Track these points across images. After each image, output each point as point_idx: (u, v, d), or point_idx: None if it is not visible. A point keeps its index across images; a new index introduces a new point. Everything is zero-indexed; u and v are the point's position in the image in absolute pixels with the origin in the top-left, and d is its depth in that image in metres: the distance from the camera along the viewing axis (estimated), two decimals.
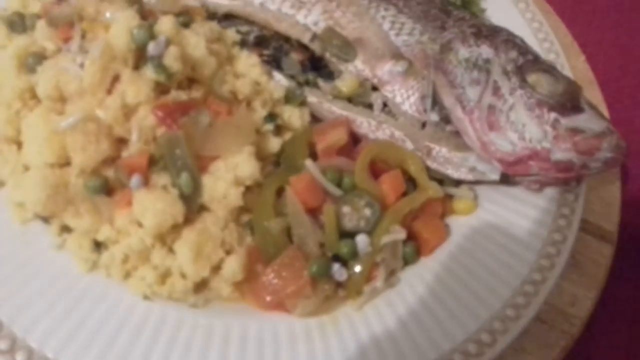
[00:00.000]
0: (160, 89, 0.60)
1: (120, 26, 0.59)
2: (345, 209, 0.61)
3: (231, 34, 0.69)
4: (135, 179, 0.57)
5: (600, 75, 0.91)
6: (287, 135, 0.67)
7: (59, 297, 0.57)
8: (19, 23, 0.67)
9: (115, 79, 0.59)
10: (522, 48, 0.68)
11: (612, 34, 0.98)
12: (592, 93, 0.86)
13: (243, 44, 0.70)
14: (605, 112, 0.85)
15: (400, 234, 0.61)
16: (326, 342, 0.58)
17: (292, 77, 0.69)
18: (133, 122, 0.58)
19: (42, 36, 0.62)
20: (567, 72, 0.78)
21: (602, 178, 0.75)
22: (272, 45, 0.70)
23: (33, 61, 0.61)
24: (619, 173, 0.79)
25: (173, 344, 0.56)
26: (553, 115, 0.63)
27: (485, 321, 0.61)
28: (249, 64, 0.67)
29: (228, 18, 0.72)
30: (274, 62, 0.70)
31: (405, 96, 0.66)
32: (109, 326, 0.56)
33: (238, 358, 0.56)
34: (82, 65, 0.59)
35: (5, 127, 0.60)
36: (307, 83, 0.69)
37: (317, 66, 0.70)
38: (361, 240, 0.60)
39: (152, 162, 0.58)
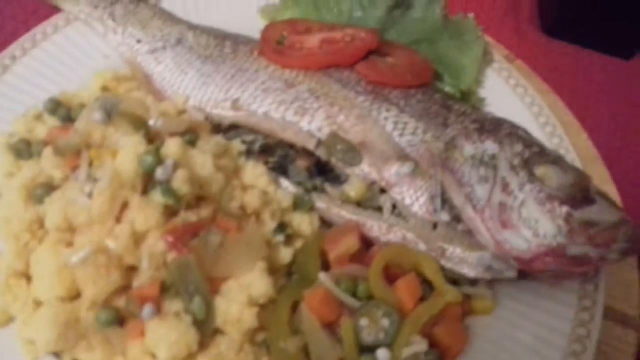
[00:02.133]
0: (169, 211, 0.59)
1: (128, 153, 0.59)
2: (363, 322, 0.59)
3: (237, 145, 0.69)
4: (147, 309, 0.56)
5: (603, 150, 0.91)
6: (298, 243, 0.66)
7: None
8: (25, 150, 0.68)
9: (124, 206, 0.58)
10: (527, 140, 0.68)
11: (610, 108, 0.98)
12: (598, 170, 0.86)
13: (249, 153, 0.70)
14: (614, 189, 0.85)
15: (422, 344, 0.59)
16: None
17: (299, 183, 0.69)
18: (143, 249, 0.57)
19: (49, 165, 0.62)
20: (571, 154, 0.78)
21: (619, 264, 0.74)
22: (277, 153, 0.70)
23: (41, 192, 0.60)
24: (636, 258, 0.79)
25: None
26: (565, 209, 0.62)
27: None
28: (256, 174, 0.67)
29: (233, 128, 0.72)
30: (280, 170, 0.69)
31: (415, 197, 0.66)
32: None
33: None
34: (90, 195, 0.58)
35: (15, 261, 0.59)
36: (315, 189, 0.68)
37: (323, 171, 0.69)
38: (382, 355, 0.58)
39: (164, 289, 0.56)
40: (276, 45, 0.77)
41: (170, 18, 0.83)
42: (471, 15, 0.86)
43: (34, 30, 0.82)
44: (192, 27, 0.82)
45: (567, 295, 0.66)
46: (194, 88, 0.75)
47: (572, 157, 0.77)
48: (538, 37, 1.06)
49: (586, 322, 0.64)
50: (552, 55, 1.04)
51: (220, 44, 0.79)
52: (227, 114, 0.72)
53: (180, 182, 0.59)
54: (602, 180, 0.84)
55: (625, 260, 0.74)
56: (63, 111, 0.71)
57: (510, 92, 0.82)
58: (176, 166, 0.59)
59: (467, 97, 0.80)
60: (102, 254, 0.56)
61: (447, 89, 0.80)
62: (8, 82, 0.77)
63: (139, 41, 0.80)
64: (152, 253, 0.57)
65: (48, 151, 0.64)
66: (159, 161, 0.59)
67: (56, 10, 0.87)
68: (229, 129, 0.73)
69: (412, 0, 0.85)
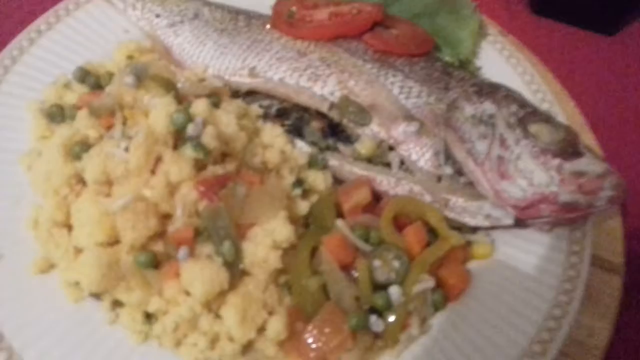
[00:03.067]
0: (199, 165, 0.65)
1: (160, 111, 0.65)
2: (376, 263, 0.66)
3: (255, 109, 0.75)
4: (182, 251, 0.61)
5: (589, 117, 0.98)
6: (313, 198, 0.72)
7: None
8: (58, 114, 0.73)
9: (158, 159, 0.64)
10: (521, 101, 0.75)
11: (596, 77, 1.04)
12: (585, 135, 0.92)
13: (266, 116, 0.76)
14: (599, 152, 0.92)
15: (430, 282, 0.65)
16: None
17: (313, 143, 0.75)
18: (177, 198, 0.62)
19: (84, 125, 0.67)
20: (561, 118, 0.85)
21: (603, 214, 0.81)
22: (293, 116, 0.76)
23: (79, 149, 0.65)
24: (619, 208, 0.86)
25: None
26: (557, 161, 0.69)
27: (515, 359, 0.65)
28: (273, 135, 0.73)
29: (250, 94, 0.78)
30: (295, 131, 0.75)
31: (420, 153, 0.72)
32: None
33: None
34: (126, 149, 0.64)
35: (55, 213, 0.64)
36: (328, 148, 0.75)
37: (336, 132, 0.75)
38: (394, 291, 0.65)
39: (197, 234, 0.62)
40: (287, 19, 0.83)
41: None
42: None
43: (57, 6, 0.87)
44: (207, 3, 0.87)
45: (558, 241, 0.72)
46: (212, 58, 0.81)
47: (561, 119, 0.84)
48: (527, 16, 1.12)
49: (575, 264, 0.71)
50: (541, 32, 1.10)
51: (234, 18, 0.85)
52: (244, 81, 0.78)
53: (208, 138, 0.64)
54: (589, 144, 0.91)
55: (610, 213, 0.82)
56: (91, 79, 0.76)
57: (504, 62, 0.89)
58: (205, 123, 0.65)
59: (465, 66, 0.86)
60: (140, 202, 0.61)
61: (447, 58, 0.86)
62: (35, 54, 0.81)
63: (157, 15, 0.85)
64: (186, 201, 0.63)
65: (83, 113, 0.69)
66: (189, 119, 0.65)
67: None
68: (246, 95, 0.78)
69: None
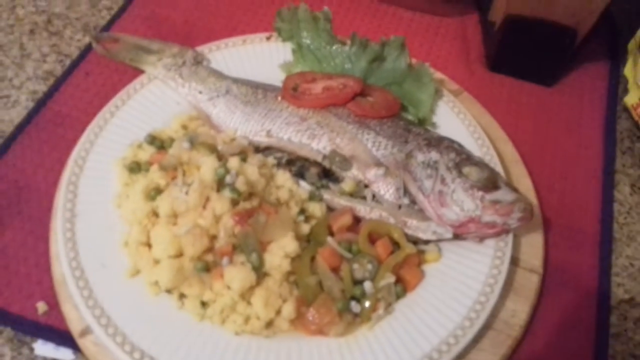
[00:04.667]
0: (234, 202, 0.96)
1: (207, 167, 0.96)
2: (355, 266, 0.95)
3: (271, 160, 1.05)
4: (225, 260, 0.91)
5: (525, 156, 1.21)
6: (313, 222, 1.01)
7: (184, 336, 0.91)
8: (136, 168, 1.04)
9: (207, 199, 0.95)
10: (459, 150, 1.04)
11: (533, 124, 1.29)
12: (519, 168, 1.18)
13: (278, 165, 1.06)
14: (529, 182, 1.16)
15: (391, 278, 0.94)
16: (350, 350, 0.90)
17: (312, 183, 1.04)
18: (220, 225, 0.93)
19: (156, 176, 0.98)
20: (494, 158, 1.11)
21: (529, 228, 1.07)
22: (297, 164, 1.06)
23: (154, 193, 0.97)
24: (541, 224, 1.11)
25: (257, 358, 0.89)
26: (480, 193, 0.97)
27: (450, 331, 0.92)
28: (284, 178, 1.03)
29: (267, 149, 1.08)
30: (299, 175, 1.05)
31: (386, 189, 1.01)
32: (217, 349, 0.89)
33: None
34: (186, 193, 0.96)
35: (140, 236, 0.95)
36: (323, 187, 1.04)
37: (328, 175, 1.05)
38: (367, 285, 0.93)
39: (234, 249, 0.92)
40: (292, 92, 1.14)
41: (220, 75, 1.19)
42: (427, 64, 1.22)
43: (127, 86, 1.18)
44: (235, 81, 1.17)
45: (487, 249, 1.00)
46: (240, 123, 1.11)
47: (494, 160, 1.12)
48: (483, 73, 1.37)
49: (498, 264, 0.99)
50: (493, 86, 1.35)
51: (255, 92, 1.15)
52: (263, 140, 1.08)
53: (240, 184, 0.95)
54: (521, 175, 1.16)
55: (534, 230, 1.09)
56: (158, 142, 1.07)
57: (454, 117, 1.17)
58: (237, 174, 0.96)
59: (424, 122, 1.15)
60: (196, 228, 0.92)
61: (410, 117, 1.17)
62: (115, 123, 1.13)
63: (200, 92, 1.17)
64: (226, 227, 0.93)
65: (154, 167, 1.00)
66: (227, 171, 0.96)
67: (139, 71, 1.24)
68: (265, 149, 1.08)
69: (385, 55, 1.22)
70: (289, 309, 0.91)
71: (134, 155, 1.07)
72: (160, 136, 1.09)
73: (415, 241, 1.01)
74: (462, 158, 1.02)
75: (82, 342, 0.93)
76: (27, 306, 0.98)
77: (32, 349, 0.96)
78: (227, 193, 0.95)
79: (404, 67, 1.21)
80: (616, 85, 1.39)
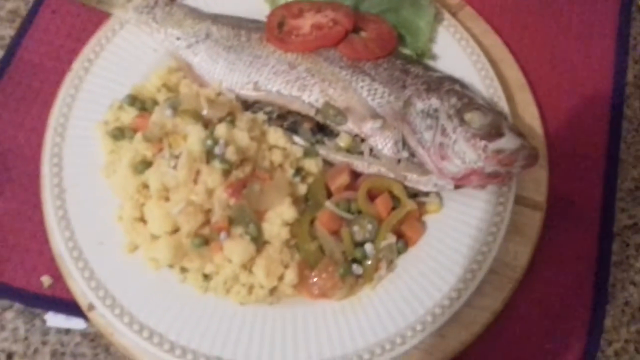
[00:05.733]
0: (226, 172, 0.91)
1: (194, 139, 0.90)
2: (355, 228, 0.94)
3: (261, 116, 1.00)
4: (222, 234, 0.90)
5: (531, 76, 1.14)
6: (310, 179, 0.98)
7: (189, 309, 0.93)
8: (119, 135, 0.99)
9: (197, 173, 0.91)
10: (460, 93, 0.96)
11: (542, 36, 1.19)
12: (524, 95, 1.11)
13: (269, 120, 1.00)
14: (535, 109, 1.10)
15: (392, 238, 0.93)
16: (355, 311, 0.91)
17: (306, 139, 0.99)
18: (214, 199, 0.90)
19: (142, 147, 0.93)
20: (498, 91, 1.05)
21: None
22: (289, 119, 1.00)
23: (141, 167, 0.93)
24: (546, 157, 1.07)
25: (264, 327, 0.91)
26: (483, 142, 0.91)
27: (460, 275, 0.92)
28: (276, 136, 0.98)
29: (256, 103, 1.02)
30: (292, 130, 0.99)
31: (384, 144, 0.97)
32: (224, 321, 0.91)
33: (304, 329, 0.90)
34: (175, 167, 0.92)
35: (133, 212, 0.92)
36: (317, 142, 0.99)
37: (322, 129, 0.99)
38: (368, 247, 0.92)
39: (231, 222, 0.90)
40: (278, 32, 1.04)
41: (198, 15, 1.08)
42: None
43: (97, 34, 1.09)
44: (215, 21, 1.07)
45: (489, 195, 0.97)
46: (224, 74, 1.03)
47: (498, 93, 1.05)
48: None
49: (501, 211, 0.97)
50: None
51: (238, 34, 1.05)
52: (251, 94, 1.01)
53: (230, 154, 0.90)
54: (526, 102, 1.10)
55: (539, 165, 1.03)
56: (138, 103, 1.00)
57: (456, 45, 1.08)
58: (226, 143, 0.91)
59: (423, 56, 1.07)
60: (189, 205, 0.89)
61: (407, 50, 1.07)
62: (90, 81, 1.05)
63: (178, 38, 1.06)
64: (220, 200, 0.90)
65: (138, 137, 0.95)
66: (215, 142, 0.91)
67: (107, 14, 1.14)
68: (253, 103, 1.02)
69: None
70: (291, 275, 0.92)
71: (116, 119, 1.02)
72: (140, 96, 1.02)
73: (415, 193, 0.98)
74: (464, 103, 0.95)
75: (91, 315, 0.95)
76: (32, 280, 0.99)
77: (44, 321, 0.98)
78: (217, 164, 0.90)
79: None
80: None
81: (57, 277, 0.98)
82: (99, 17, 1.16)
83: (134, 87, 1.04)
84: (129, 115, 1.01)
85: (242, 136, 0.93)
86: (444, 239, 0.96)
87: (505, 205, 0.98)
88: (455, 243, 0.96)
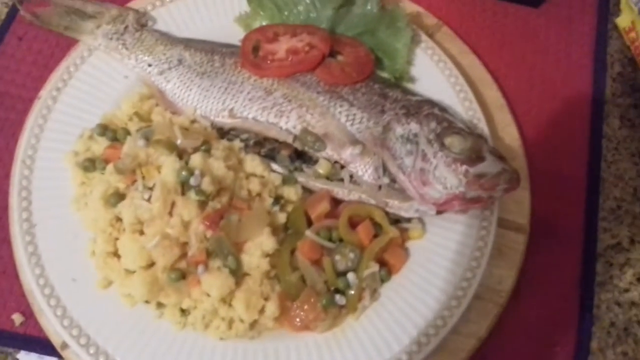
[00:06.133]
0: (202, 204, 0.88)
1: (168, 169, 0.88)
2: (337, 257, 0.91)
3: (237, 143, 0.97)
4: (200, 268, 0.86)
5: (510, 95, 1.14)
6: (289, 207, 0.95)
7: (167, 346, 0.89)
8: (90, 166, 0.95)
9: (172, 205, 0.88)
10: (439, 117, 0.95)
11: (519, 55, 1.18)
12: (503, 114, 1.10)
13: (246, 147, 0.98)
14: (514, 130, 1.09)
15: (375, 267, 0.91)
16: (339, 344, 0.89)
17: (285, 166, 0.96)
18: (190, 231, 0.87)
19: (114, 179, 0.90)
20: (477, 112, 1.04)
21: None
22: (266, 146, 0.97)
23: (114, 200, 0.89)
24: (527, 178, 1.06)
25: None
26: (464, 167, 0.90)
27: (445, 302, 0.91)
28: (254, 164, 0.95)
29: (232, 130, 0.99)
30: (270, 158, 0.97)
31: (364, 170, 0.94)
32: (203, 357, 0.87)
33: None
34: (149, 199, 0.88)
35: (106, 246, 0.89)
36: (296, 169, 0.96)
37: (301, 156, 0.97)
38: (350, 276, 0.90)
39: (208, 255, 0.87)
40: (253, 57, 1.02)
41: (170, 41, 1.05)
42: (400, 4, 1.09)
43: (65, 62, 1.06)
44: (187, 46, 1.05)
45: (472, 220, 0.96)
46: (198, 100, 1.00)
47: (478, 115, 1.04)
48: None
49: (484, 235, 0.95)
50: (475, 13, 1.22)
51: (211, 60, 1.03)
52: (226, 121, 0.98)
53: (206, 184, 0.87)
54: (506, 123, 1.09)
55: (521, 187, 1.00)
56: (110, 134, 0.97)
57: (434, 67, 1.07)
58: (202, 174, 0.88)
59: (401, 78, 1.05)
60: (165, 239, 0.86)
61: (385, 74, 1.06)
62: (59, 109, 1.02)
63: (149, 65, 1.03)
64: (197, 233, 0.87)
65: (110, 169, 0.92)
66: (190, 172, 0.88)
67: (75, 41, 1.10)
68: (229, 130, 0.99)
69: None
70: (272, 308, 0.89)
71: (86, 149, 0.98)
72: (111, 125, 0.99)
73: (397, 219, 0.96)
74: (444, 127, 0.94)
75: (65, 354, 0.91)
76: (3, 318, 0.95)
77: (16, 359, 0.95)
78: (193, 196, 0.87)
79: (375, 11, 1.08)
80: (607, 2, 1.26)
81: (29, 314, 0.95)
82: (67, 43, 1.13)
83: (104, 116, 1.00)
84: (99, 146, 0.97)
85: (218, 165, 0.91)
86: (428, 266, 0.95)
87: (488, 229, 0.97)
88: (439, 269, 0.94)
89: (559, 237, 1.06)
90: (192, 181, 0.87)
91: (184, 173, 0.87)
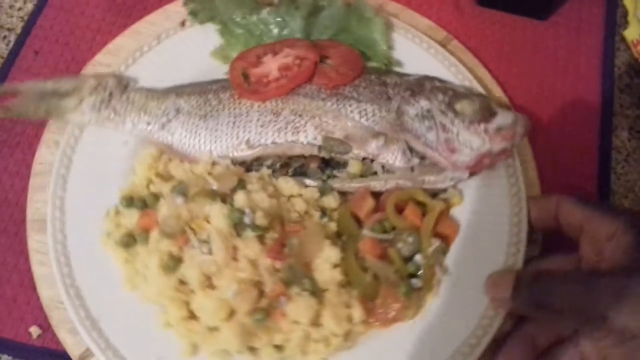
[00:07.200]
0: (261, 238, 0.89)
1: (218, 216, 0.87)
2: (400, 245, 0.94)
3: (265, 171, 0.97)
4: (282, 300, 0.87)
5: (519, 109, 1.10)
6: (334, 214, 0.97)
7: None
8: (131, 242, 0.92)
9: (234, 249, 0.88)
10: (442, 88, 1.00)
11: (527, 66, 1.17)
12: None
13: (274, 172, 0.98)
14: (525, 143, 1.07)
15: (436, 242, 0.94)
16: (428, 321, 0.93)
17: (317, 178, 0.98)
18: (261, 269, 0.87)
19: (165, 246, 0.88)
20: (464, 72, 1.08)
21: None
22: (293, 165, 0.98)
23: (172, 265, 0.87)
24: (540, 191, 1.05)
25: None
26: (482, 125, 0.96)
27: (507, 250, 0.95)
28: (288, 185, 0.96)
29: (256, 160, 0.99)
30: (301, 174, 0.99)
31: (394, 157, 0.97)
32: None
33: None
34: (209, 252, 0.87)
35: (180, 313, 0.86)
36: (329, 177, 0.98)
37: (330, 164, 0.99)
38: (417, 258, 0.94)
39: (285, 284, 0.88)
40: (247, 85, 1.02)
41: (159, 94, 1.03)
42: None
43: (62, 147, 1.00)
44: (179, 94, 1.03)
45: (500, 179, 1.01)
46: (210, 143, 0.99)
47: (466, 75, 1.07)
48: (473, 9, 1.23)
49: (515, 192, 0.99)
50: (484, 26, 1.20)
51: (207, 100, 1.01)
52: (246, 154, 0.98)
53: (260, 219, 0.87)
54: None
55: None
56: (138, 203, 0.94)
57: (414, 46, 1.10)
58: (252, 210, 0.89)
59: (390, 63, 1.08)
60: (241, 284, 0.86)
61: (373, 63, 1.09)
62: (71, 196, 0.97)
63: (148, 123, 1.01)
64: (267, 268, 0.87)
65: (155, 236, 0.89)
66: (241, 212, 0.88)
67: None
68: (252, 162, 0.99)
69: (319, 3, 1.10)
70: (357, 313, 0.90)
71: (117, 226, 0.95)
72: (134, 194, 0.96)
73: (435, 193, 1.00)
74: (451, 96, 0.99)
75: None
76: (20, 331, 0.97)
77: None
78: (250, 234, 0.87)
79: (341, 9, 1.11)
80: (614, 15, 1.26)
81: (46, 327, 0.96)
82: (82, 58, 1.15)
83: (123, 189, 0.97)
84: (130, 218, 0.94)
85: (261, 197, 0.91)
86: (475, 226, 0.99)
87: (516, 176, 1.01)
88: (489, 224, 0.98)
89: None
90: (246, 220, 0.87)
91: (236, 215, 0.87)
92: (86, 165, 1.01)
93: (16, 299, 0.99)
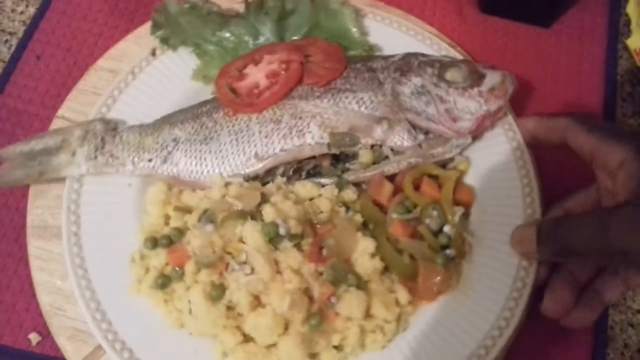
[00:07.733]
0: (298, 246, 0.89)
1: (253, 235, 0.87)
2: (427, 220, 0.96)
3: (279, 180, 0.97)
4: (332, 300, 0.88)
5: (523, 114, 1.09)
6: (356, 206, 0.98)
7: None
8: (166, 282, 0.90)
9: (276, 262, 0.88)
10: (428, 62, 1.02)
11: (530, 73, 1.16)
12: None
13: (289, 179, 0.98)
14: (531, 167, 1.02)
15: (460, 209, 0.97)
16: (470, 285, 0.95)
17: (332, 175, 0.99)
18: (304, 273, 0.87)
19: (203, 277, 0.87)
20: (440, 44, 1.13)
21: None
22: (305, 168, 0.99)
23: (216, 294, 0.87)
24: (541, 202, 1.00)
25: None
26: (475, 90, 0.99)
27: (522, 208, 0.98)
28: (306, 189, 0.97)
29: (269, 171, 0.98)
30: (315, 175, 0.99)
31: (401, 138, 0.99)
32: None
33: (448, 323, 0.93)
34: (252, 272, 0.87)
35: (236, 338, 0.86)
36: (343, 171, 0.99)
37: (340, 158, 1.00)
38: (446, 228, 0.96)
39: (332, 284, 0.89)
40: (238, 100, 1.01)
41: (151, 128, 1.00)
42: None
43: (65, 204, 0.96)
44: (172, 124, 1.00)
45: (499, 137, 1.04)
46: (218, 165, 0.97)
47: (442, 45, 1.13)
48: (476, 17, 1.23)
49: (516, 145, 1.03)
50: (487, 33, 1.22)
51: (202, 124, 0.99)
52: (258, 167, 0.97)
53: (294, 227, 0.88)
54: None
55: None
56: (163, 241, 0.92)
57: (388, 29, 1.13)
58: (285, 221, 0.88)
59: (370, 49, 1.09)
60: (293, 295, 0.85)
61: (354, 52, 1.10)
62: (89, 255, 0.94)
63: (149, 160, 0.98)
64: (311, 274, 0.88)
65: (191, 269, 0.88)
66: (275, 225, 0.88)
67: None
68: (264, 174, 0.98)
69: (286, 5, 1.10)
70: (403, 295, 0.93)
71: (146, 270, 0.93)
72: (156, 233, 0.94)
73: (445, 164, 1.03)
74: (438, 67, 1.02)
75: None
76: (20, 337, 0.96)
77: None
78: (288, 244, 0.88)
79: (307, 5, 1.11)
80: (617, 23, 1.25)
81: (45, 334, 0.96)
82: (85, 63, 1.14)
83: (142, 231, 0.95)
84: (158, 258, 0.92)
85: (288, 206, 0.91)
86: (490, 185, 1.02)
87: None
88: (497, 181, 1.02)
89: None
90: (282, 231, 0.87)
91: (269, 229, 0.87)
92: (95, 216, 0.97)
93: (15, 306, 0.98)
